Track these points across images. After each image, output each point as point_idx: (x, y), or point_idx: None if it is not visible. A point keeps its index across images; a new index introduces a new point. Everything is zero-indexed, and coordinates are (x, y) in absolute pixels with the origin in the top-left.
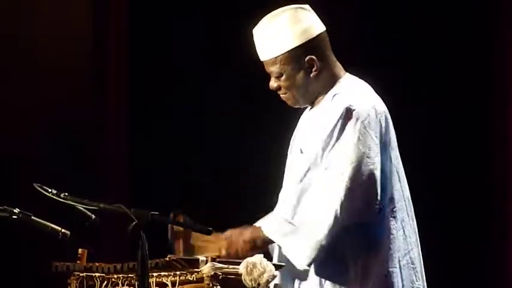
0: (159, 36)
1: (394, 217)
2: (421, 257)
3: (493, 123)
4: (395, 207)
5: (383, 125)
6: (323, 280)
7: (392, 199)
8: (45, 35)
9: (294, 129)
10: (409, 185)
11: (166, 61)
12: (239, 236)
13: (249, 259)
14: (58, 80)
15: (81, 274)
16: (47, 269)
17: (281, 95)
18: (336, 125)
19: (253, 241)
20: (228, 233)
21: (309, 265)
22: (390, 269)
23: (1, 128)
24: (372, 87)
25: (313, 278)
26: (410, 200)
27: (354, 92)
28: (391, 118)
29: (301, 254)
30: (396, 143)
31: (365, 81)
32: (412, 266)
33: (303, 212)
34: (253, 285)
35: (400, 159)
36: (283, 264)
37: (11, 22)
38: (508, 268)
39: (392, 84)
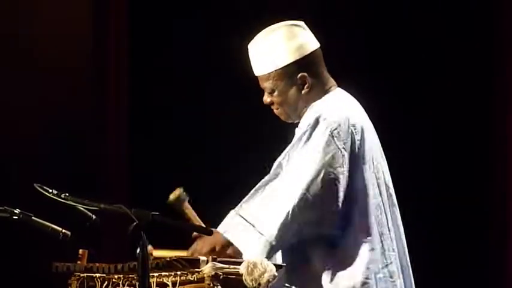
0: (159, 36)
1: (368, 231)
2: (408, 269)
3: (493, 124)
4: (370, 221)
5: (356, 137)
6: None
7: (366, 213)
8: (45, 35)
9: (293, 129)
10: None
11: (166, 61)
12: (201, 244)
13: (250, 259)
14: (58, 80)
15: (81, 274)
16: (47, 269)
17: (274, 110)
18: (304, 132)
19: (213, 248)
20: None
21: None
22: (363, 280)
23: (1, 128)
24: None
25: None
26: (396, 213)
27: (330, 103)
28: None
29: (252, 250)
30: (379, 155)
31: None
32: (390, 279)
33: (257, 208)
34: (254, 285)
35: (383, 170)
36: (283, 264)
37: (11, 22)
38: (508, 269)
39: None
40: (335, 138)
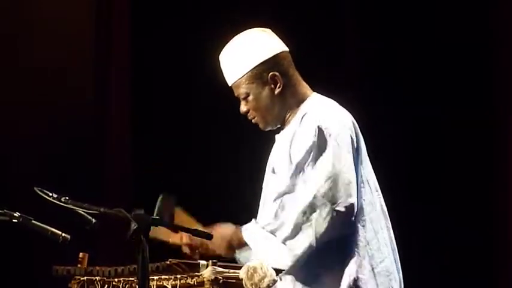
0: (161, 33)
1: (364, 226)
2: (399, 265)
3: (496, 125)
4: (364, 217)
5: (353, 138)
6: (297, 282)
7: (362, 209)
8: (46, 34)
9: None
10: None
11: (168, 59)
12: (220, 232)
13: (250, 264)
14: (59, 79)
15: (82, 278)
16: (47, 272)
17: (251, 119)
18: (310, 146)
19: (231, 246)
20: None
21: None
22: (360, 275)
23: (1, 128)
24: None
25: (287, 278)
26: (386, 211)
27: (321, 110)
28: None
29: (279, 264)
30: (366, 155)
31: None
32: (387, 273)
33: (284, 230)
34: None
35: (371, 169)
36: (283, 269)
37: (12, 21)
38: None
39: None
40: (340, 144)
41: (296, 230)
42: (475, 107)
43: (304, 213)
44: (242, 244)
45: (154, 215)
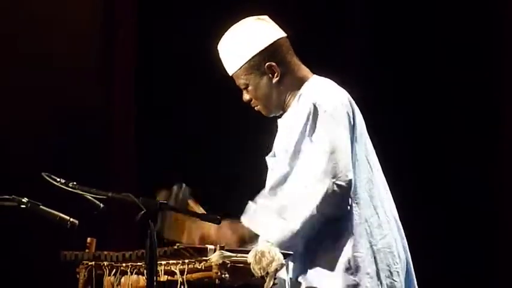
0: (166, 30)
1: (358, 204)
2: (406, 244)
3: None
4: (358, 194)
5: (350, 115)
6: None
7: (355, 187)
8: (53, 32)
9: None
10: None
11: (174, 51)
12: (230, 232)
13: (258, 248)
14: (66, 71)
15: (89, 263)
16: (55, 258)
17: (254, 107)
18: (305, 123)
19: (242, 239)
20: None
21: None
22: (356, 254)
23: (10, 118)
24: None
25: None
26: (387, 187)
27: (317, 89)
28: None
29: (274, 239)
30: (366, 133)
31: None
32: (388, 250)
33: (284, 205)
34: (262, 273)
35: (371, 147)
36: (291, 252)
37: (15, 17)
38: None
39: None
40: (336, 121)
41: (296, 205)
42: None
43: (304, 188)
44: (250, 235)
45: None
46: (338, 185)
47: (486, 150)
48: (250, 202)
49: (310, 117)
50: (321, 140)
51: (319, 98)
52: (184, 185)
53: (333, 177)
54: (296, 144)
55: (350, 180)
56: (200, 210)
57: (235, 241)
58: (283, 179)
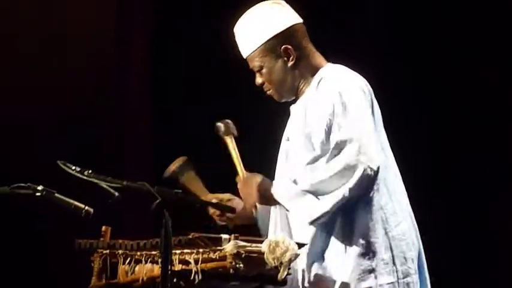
0: (184, 16)
1: (378, 190)
2: (416, 228)
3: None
4: (378, 180)
5: (371, 102)
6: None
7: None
8: (69, 23)
9: None
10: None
11: (191, 39)
12: (249, 179)
13: (272, 238)
14: (82, 61)
15: (104, 251)
16: (70, 246)
17: (266, 91)
18: (332, 110)
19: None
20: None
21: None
22: (372, 239)
23: (26, 107)
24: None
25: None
26: (399, 175)
27: (338, 76)
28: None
29: (306, 219)
30: (381, 119)
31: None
32: (403, 237)
33: (312, 182)
34: (276, 263)
35: (385, 134)
36: (306, 243)
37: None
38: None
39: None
40: (361, 107)
41: (329, 186)
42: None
43: (336, 172)
44: (269, 195)
45: (170, 171)
46: (371, 169)
47: (503, 141)
48: (281, 179)
49: (339, 105)
50: (348, 128)
51: (342, 85)
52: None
53: (366, 162)
54: (326, 129)
55: (378, 166)
56: (202, 187)
57: (253, 195)
58: (313, 161)
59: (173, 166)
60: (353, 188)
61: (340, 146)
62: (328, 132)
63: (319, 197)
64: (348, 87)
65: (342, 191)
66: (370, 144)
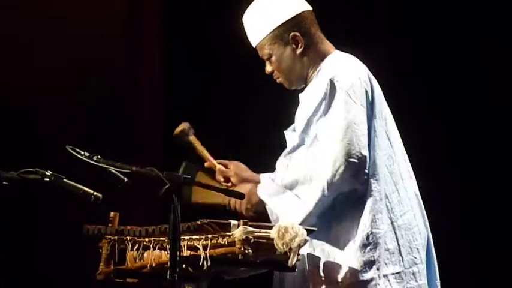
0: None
1: (378, 180)
2: (427, 221)
3: None
4: (377, 170)
5: (368, 92)
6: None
7: (375, 163)
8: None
9: None
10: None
11: (200, 28)
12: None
13: (281, 223)
14: (94, 45)
15: (112, 237)
16: (78, 232)
17: (276, 79)
18: (322, 98)
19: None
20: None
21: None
22: (375, 230)
23: (37, 91)
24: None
25: None
26: (408, 163)
27: (337, 64)
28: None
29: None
30: (385, 108)
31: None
32: (409, 226)
33: (297, 183)
34: (285, 249)
35: (393, 122)
36: (314, 228)
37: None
38: None
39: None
40: (352, 97)
41: (308, 182)
42: None
43: (316, 165)
44: (259, 201)
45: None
46: (349, 162)
47: None
48: (264, 175)
49: (328, 92)
50: (335, 116)
51: (337, 73)
52: (192, 163)
53: (346, 154)
54: (310, 117)
55: (364, 157)
56: (202, 148)
57: (245, 204)
58: (293, 150)
59: (181, 127)
60: (330, 185)
61: (321, 138)
62: (310, 121)
63: (299, 195)
64: (341, 77)
65: (319, 191)
66: (355, 136)
